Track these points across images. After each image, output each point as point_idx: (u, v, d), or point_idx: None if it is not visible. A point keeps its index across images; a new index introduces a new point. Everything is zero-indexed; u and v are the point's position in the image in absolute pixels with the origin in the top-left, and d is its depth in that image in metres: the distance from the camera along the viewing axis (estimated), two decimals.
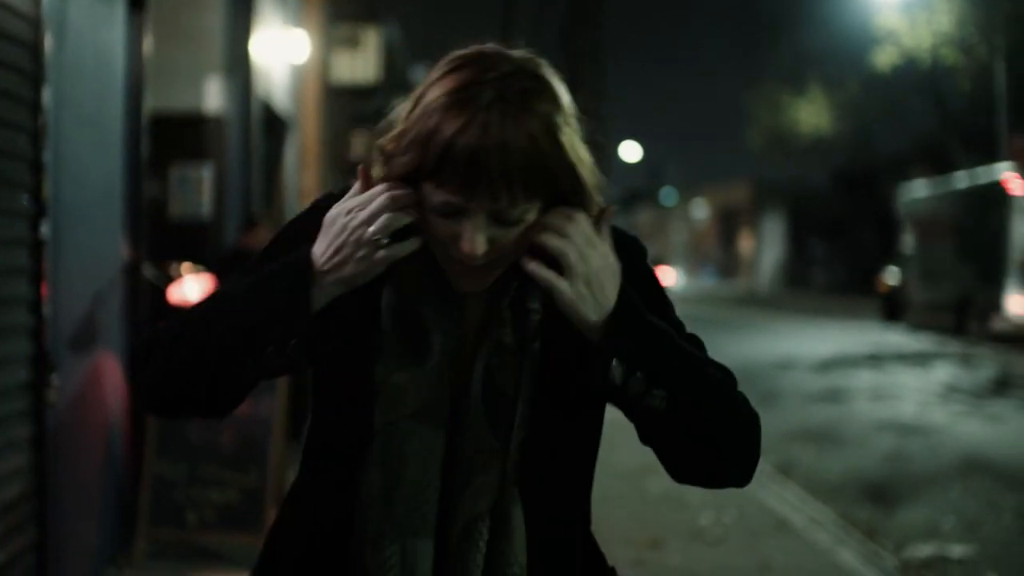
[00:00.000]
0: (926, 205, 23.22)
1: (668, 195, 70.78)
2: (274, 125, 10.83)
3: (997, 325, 18.59)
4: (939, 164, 33.06)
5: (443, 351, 1.49)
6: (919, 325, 22.00)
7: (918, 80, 30.06)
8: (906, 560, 5.95)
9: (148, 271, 5.65)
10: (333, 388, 1.56)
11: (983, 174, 21.11)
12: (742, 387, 1.55)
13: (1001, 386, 13.91)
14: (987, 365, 16.15)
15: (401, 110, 1.49)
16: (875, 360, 16.96)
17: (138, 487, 5.41)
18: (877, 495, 7.68)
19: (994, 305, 18.67)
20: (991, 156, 28.18)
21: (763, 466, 8.38)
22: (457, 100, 1.39)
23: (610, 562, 1.68)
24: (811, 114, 33.64)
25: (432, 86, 1.44)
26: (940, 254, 21.48)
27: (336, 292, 1.49)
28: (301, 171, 12.81)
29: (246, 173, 8.96)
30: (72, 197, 4.62)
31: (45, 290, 4.24)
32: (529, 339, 1.51)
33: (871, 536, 6.39)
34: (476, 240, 1.39)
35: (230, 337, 1.47)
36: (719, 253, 55.28)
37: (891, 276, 24.40)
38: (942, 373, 15.26)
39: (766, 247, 49.27)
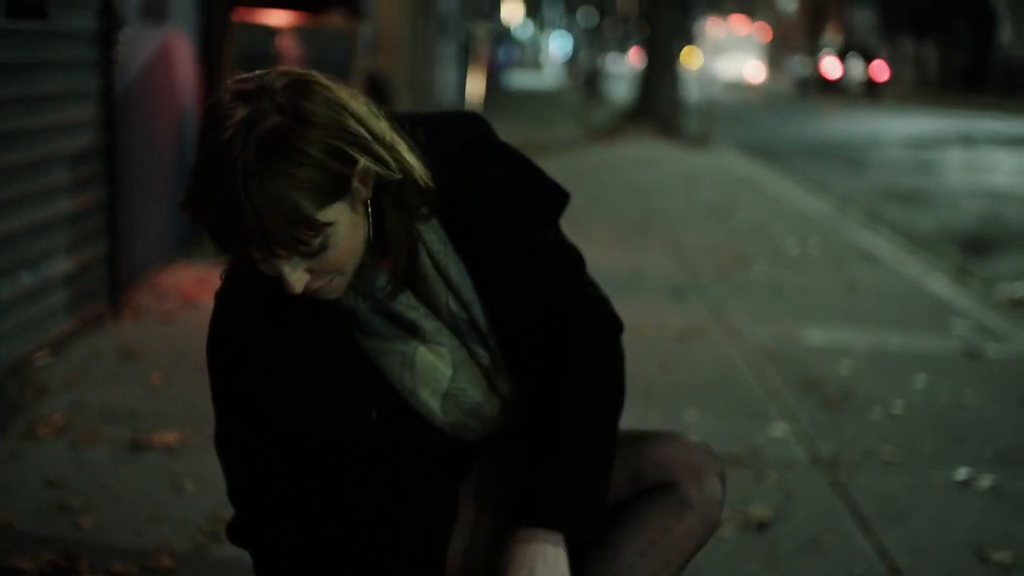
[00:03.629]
0: None
1: None
2: None
3: None
4: None
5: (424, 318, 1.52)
6: None
7: None
8: (997, 295, 5.70)
9: None
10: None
11: None
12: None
13: None
14: None
15: None
16: (967, 140, 16.45)
17: None
18: (968, 245, 7.40)
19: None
20: None
21: (852, 214, 8.15)
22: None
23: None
24: None
25: None
26: None
27: None
28: None
29: None
30: None
31: None
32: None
33: (961, 273, 6.14)
34: (291, 281, 1.36)
35: None
36: (807, 46, 53.57)
37: None
38: None
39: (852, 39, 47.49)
